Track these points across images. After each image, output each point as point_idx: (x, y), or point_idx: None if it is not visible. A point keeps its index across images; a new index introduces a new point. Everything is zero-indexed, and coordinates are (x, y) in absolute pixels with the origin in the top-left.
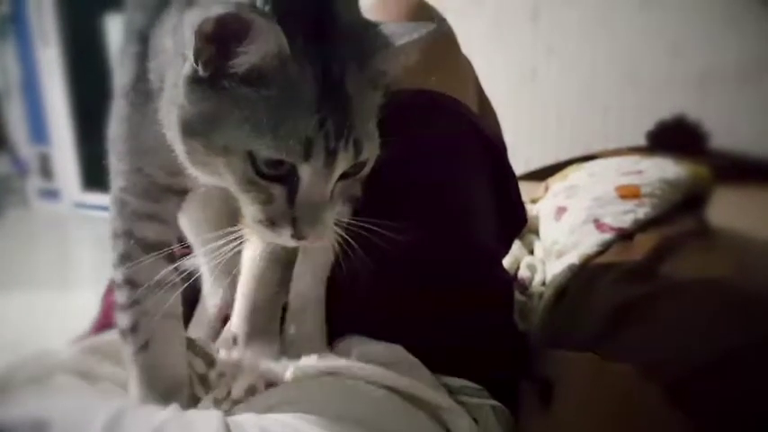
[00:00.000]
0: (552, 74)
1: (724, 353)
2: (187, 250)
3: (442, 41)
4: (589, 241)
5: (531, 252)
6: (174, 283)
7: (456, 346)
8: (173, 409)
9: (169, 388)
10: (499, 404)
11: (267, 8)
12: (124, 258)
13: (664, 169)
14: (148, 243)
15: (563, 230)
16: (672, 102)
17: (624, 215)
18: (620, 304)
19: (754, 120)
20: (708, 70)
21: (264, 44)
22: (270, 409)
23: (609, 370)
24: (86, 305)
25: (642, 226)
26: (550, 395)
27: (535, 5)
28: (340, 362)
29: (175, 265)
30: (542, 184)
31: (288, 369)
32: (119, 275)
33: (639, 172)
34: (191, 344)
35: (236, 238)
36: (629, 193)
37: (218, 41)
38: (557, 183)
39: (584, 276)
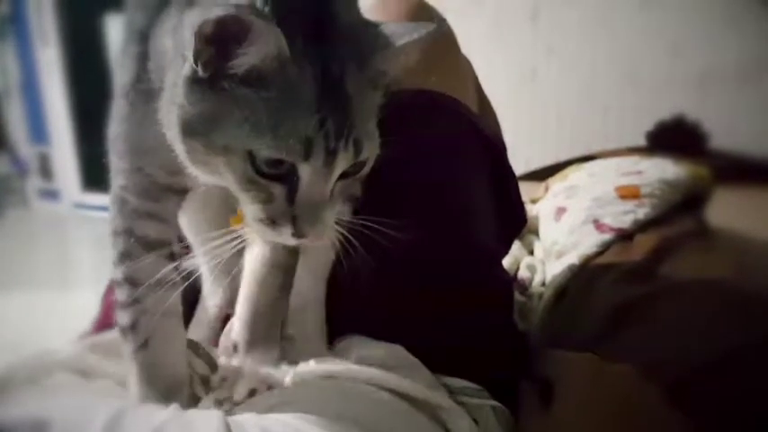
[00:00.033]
0: (552, 74)
1: (724, 353)
2: (188, 250)
3: (442, 41)
4: (589, 242)
5: (531, 252)
6: (174, 282)
7: (456, 346)
8: (173, 409)
9: (169, 386)
10: (499, 404)
11: (267, 9)
12: (124, 257)
13: (663, 170)
14: (149, 241)
15: (563, 231)
16: (672, 102)
17: (624, 215)
18: (619, 304)
19: (754, 120)
20: (708, 70)
21: (264, 46)
22: (270, 409)
23: (609, 370)
24: (86, 305)
25: (642, 226)
26: (550, 395)
27: (535, 5)
28: (339, 366)
29: (176, 263)
30: (542, 185)
31: (287, 375)
32: (119, 273)
33: (639, 172)
34: (193, 346)
35: (235, 238)
36: (628, 193)
37: (218, 43)
38: (557, 183)
39: (583, 277)
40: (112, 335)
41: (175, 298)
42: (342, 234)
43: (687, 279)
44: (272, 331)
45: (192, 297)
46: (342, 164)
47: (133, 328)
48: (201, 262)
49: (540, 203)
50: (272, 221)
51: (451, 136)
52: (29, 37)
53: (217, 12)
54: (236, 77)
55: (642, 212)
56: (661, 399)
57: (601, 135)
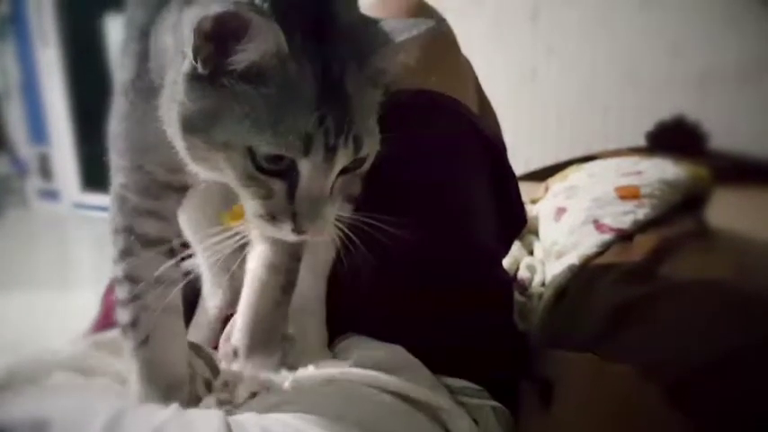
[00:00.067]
0: (552, 74)
1: (724, 353)
2: (187, 248)
3: (442, 41)
4: (589, 242)
5: (531, 253)
6: (174, 279)
7: (456, 346)
8: (173, 409)
9: (170, 384)
10: (499, 405)
11: (266, 6)
12: (124, 254)
13: (663, 170)
14: (149, 239)
15: (563, 231)
16: (672, 102)
17: (624, 216)
18: (619, 305)
19: (754, 120)
20: (708, 70)
21: (263, 43)
22: (270, 408)
23: (609, 370)
24: (86, 305)
25: (642, 227)
26: (550, 395)
27: (535, 5)
28: (338, 371)
29: (176, 260)
30: (542, 185)
31: (287, 380)
32: (119, 271)
33: (639, 173)
34: (195, 347)
35: (234, 235)
36: (628, 193)
37: (217, 39)
38: (556, 183)
39: (583, 277)
40: (113, 333)
41: (176, 295)
42: (342, 231)
43: (687, 279)
44: (272, 336)
45: (191, 298)
46: (342, 160)
47: (134, 325)
48: (201, 261)
49: (540, 204)
50: (272, 217)
51: (451, 136)
52: (29, 37)
53: (216, 8)
54: (236, 74)
55: (642, 213)
56: (661, 399)
57: (601, 135)
